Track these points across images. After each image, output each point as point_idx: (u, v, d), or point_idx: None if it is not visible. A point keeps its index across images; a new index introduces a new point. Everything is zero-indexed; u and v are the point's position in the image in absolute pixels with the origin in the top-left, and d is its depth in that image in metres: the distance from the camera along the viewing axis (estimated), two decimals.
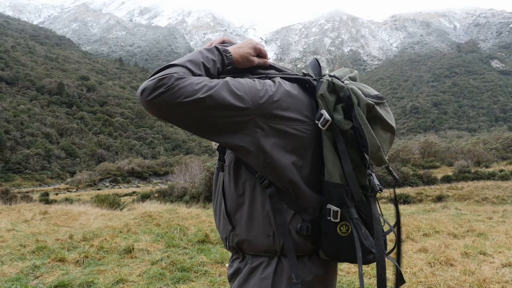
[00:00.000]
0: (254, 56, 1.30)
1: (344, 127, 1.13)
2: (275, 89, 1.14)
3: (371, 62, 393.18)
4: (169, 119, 1.08)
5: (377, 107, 1.15)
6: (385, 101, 1.21)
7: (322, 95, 1.15)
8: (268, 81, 1.18)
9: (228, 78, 1.12)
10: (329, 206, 1.12)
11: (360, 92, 1.14)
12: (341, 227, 1.12)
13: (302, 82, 1.24)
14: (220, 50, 1.21)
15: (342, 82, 1.19)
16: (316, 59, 1.34)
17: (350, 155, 1.14)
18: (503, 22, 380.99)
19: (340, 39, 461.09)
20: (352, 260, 1.14)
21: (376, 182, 1.14)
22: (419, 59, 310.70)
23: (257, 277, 1.20)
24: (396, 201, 1.33)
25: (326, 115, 1.12)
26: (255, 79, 1.19)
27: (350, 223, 1.11)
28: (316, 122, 1.15)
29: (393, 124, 1.17)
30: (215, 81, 1.09)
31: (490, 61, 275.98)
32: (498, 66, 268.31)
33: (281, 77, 1.23)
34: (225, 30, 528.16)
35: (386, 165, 1.23)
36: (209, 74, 1.16)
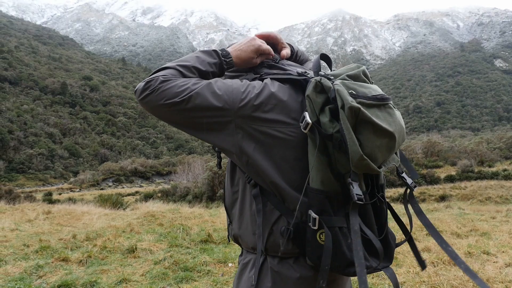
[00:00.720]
0: (256, 59, 1.30)
1: (328, 131, 1.05)
2: (259, 90, 1.12)
3: (374, 61, 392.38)
4: (159, 118, 1.15)
5: (369, 110, 1.03)
6: (389, 102, 1.10)
7: (308, 96, 1.08)
8: (255, 83, 1.16)
9: (213, 80, 1.14)
10: (309, 212, 1.07)
11: (345, 94, 1.02)
12: (321, 235, 1.06)
13: (295, 83, 1.19)
14: (219, 55, 1.23)
15: (332, 81, 1.09)
16: (323, 54, 1.27)
17: (339, 160, 1.06)
18: (507, 21, 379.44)
19: (342, 39, 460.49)
20: (334, 269, 1.07)
21: (356, 191, 1.02)
22: (422, 58, 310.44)
23: (246, 274, 1.21)
24: (417, 208, 1.19)
25: (307, 117, 1.06)
26: (243, 80, 1.18)
27: (326, 232, 1.05)
28: (300, 124, 1.09)
29: (391, 129, 1.04)
30: (201, 82, 1.11)
31: (494, 60, 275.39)
32: (501, 65, 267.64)
33: (272, 78, 1.20)
34: (228, 29, 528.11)
35: (401, 173, 1.18)
36: (202, 75, 1.18)
